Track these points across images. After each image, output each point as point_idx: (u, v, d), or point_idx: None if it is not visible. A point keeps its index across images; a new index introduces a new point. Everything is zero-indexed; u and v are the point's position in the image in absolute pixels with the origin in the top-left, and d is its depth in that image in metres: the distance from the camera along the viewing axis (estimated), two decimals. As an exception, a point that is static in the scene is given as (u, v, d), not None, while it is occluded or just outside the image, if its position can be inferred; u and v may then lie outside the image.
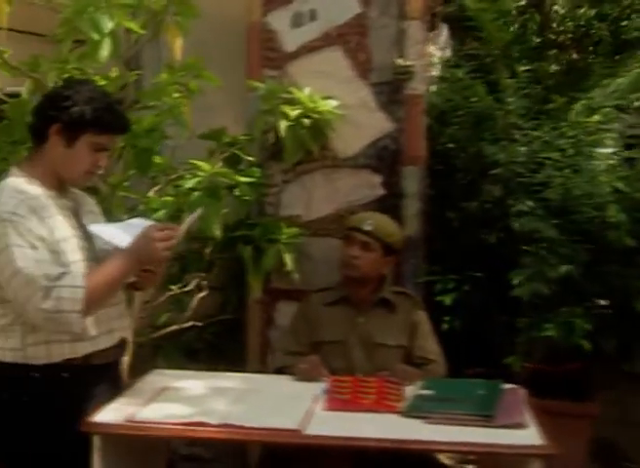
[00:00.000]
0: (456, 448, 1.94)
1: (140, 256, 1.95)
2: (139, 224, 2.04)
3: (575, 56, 3.74)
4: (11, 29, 2.52)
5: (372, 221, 2.68)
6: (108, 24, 2.30)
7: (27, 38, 2.81)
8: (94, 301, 1.91)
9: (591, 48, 3.76)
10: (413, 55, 3.10)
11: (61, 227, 1.96)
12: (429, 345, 2.68)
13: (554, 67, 3.67)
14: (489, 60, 3.26)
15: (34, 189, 1.96)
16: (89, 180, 2.07)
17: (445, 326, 3.09)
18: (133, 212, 2.76)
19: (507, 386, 2.29)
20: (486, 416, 1.98)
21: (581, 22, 3.74)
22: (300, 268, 3.14)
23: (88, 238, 2.05)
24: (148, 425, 1.96)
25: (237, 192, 3.02)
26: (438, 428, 1.98)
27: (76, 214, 2.06)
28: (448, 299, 3.09)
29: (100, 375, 2.06)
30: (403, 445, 1.92)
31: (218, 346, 3.49)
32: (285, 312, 3.25)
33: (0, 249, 1.86)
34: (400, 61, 3.08)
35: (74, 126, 1.95)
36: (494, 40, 3.12)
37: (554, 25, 3.74)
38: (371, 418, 2.07)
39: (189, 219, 2.02)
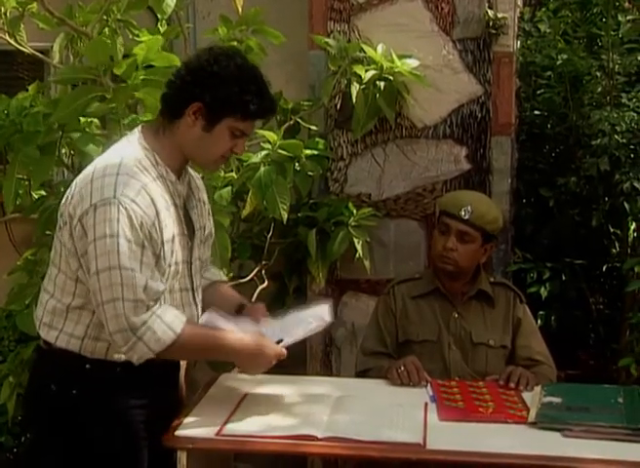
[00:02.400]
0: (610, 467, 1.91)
1: (245, 359, 2.05)
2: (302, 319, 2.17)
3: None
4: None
5: (470, 206, 2.58)
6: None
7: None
8: (175, 352, 1.94)
9: None
10: (504, 5, 3.05)
11: (170, 225, 1.95)
12: (535, 344, 2.65)
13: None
14: (595, 9, 3.20)
15: (157, 169, 1.95)
16: (220, 166, 2.05)
17: (539, 321, 3.07)
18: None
19: (644, 393, 2.27)
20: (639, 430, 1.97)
21: None
22: (370, 255, 3.12)
23: (191, 235, 2.05)
24: (246, 439, 1.94)
25: (298, 167, 2.99)
26: (580, 443, 1.96)
27: (184, 205, 2.05)
28: (544, 291, 3.07)
29: (158, 373, 2.03)
30: (545, 462, 1.90)
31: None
32: (352, 306, 3.23)
33: (105, 234, 1.83)
34: (490, 13, 3.03)
35: (217, 109, 1.93)
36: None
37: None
38: (495, 430, 2.06)
39: (316, 327, 2.13)
